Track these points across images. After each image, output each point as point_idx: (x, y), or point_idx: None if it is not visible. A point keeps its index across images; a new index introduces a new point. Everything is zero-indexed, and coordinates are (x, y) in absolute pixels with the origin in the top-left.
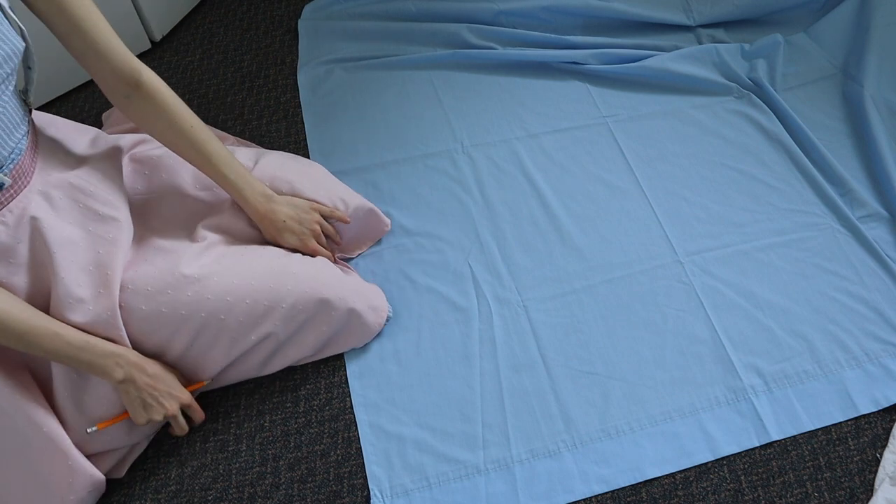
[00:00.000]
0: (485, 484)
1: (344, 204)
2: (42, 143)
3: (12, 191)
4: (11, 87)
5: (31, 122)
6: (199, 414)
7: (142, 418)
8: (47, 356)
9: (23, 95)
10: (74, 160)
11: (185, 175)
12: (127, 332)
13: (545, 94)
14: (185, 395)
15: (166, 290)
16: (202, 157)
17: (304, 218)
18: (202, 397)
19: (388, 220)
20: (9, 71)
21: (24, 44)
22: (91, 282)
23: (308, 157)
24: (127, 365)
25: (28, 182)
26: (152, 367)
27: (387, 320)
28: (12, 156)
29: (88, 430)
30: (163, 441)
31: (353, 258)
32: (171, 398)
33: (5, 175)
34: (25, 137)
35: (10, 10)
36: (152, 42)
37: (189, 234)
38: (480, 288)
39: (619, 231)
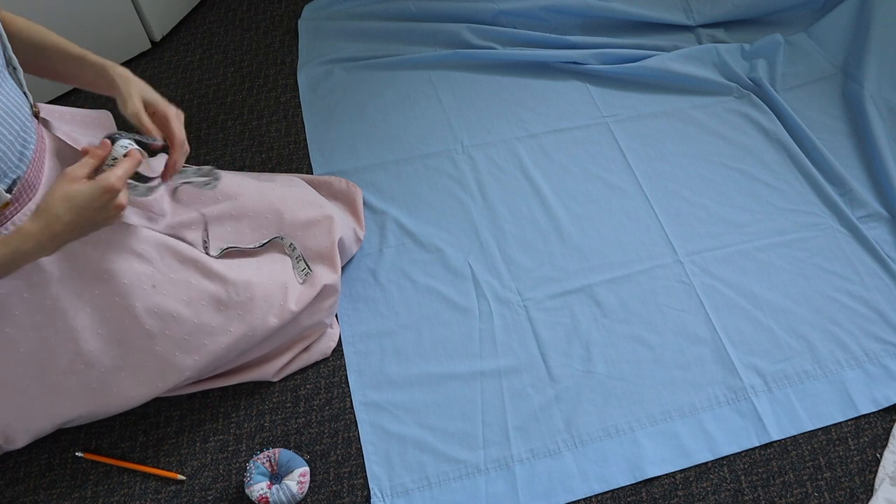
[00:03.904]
0: (485, 483)
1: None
2: (49, 148)
3: (13, 207)
4: (10, 77)
5: (39, 126)
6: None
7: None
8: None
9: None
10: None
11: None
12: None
13: (545, 94)
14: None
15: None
16: (48, 43)
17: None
18: (203, 396)
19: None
20: None
21: None
22: None
23: (308, 156)
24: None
25: (33, 195)
26: None
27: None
28: (20, 165)
29: (78, 454)
30: (162, 441)
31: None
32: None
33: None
34: (33, 143)
35: None
36: (152, 42)
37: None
38: (480, 288)
39: (619, 231)
